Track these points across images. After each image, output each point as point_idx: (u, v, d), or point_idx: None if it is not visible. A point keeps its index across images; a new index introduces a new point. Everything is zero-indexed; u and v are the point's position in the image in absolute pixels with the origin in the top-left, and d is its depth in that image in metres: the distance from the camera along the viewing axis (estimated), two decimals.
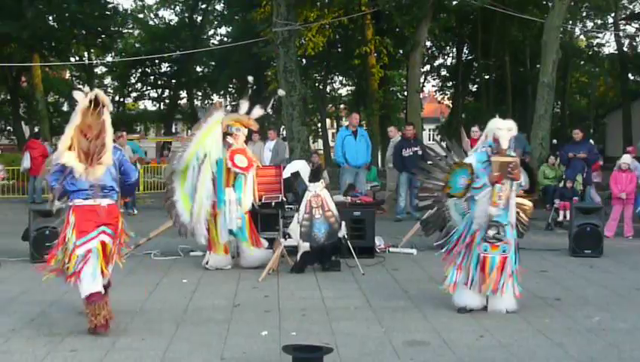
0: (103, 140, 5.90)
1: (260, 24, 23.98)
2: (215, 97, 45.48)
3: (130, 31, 42.62)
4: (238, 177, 8.81)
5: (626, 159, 12.47)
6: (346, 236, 8.73)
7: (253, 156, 9.26)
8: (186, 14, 43.20)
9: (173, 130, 49.37)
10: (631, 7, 36.36)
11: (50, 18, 28.99)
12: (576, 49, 38.30)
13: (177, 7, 44.89)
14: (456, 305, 6.70)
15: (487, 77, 33.95)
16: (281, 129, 26.28)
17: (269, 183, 9.75)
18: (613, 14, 35.87)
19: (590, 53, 40.07)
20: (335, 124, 51.21)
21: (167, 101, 46.98)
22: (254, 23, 25.39)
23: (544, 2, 27.00)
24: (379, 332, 6.05)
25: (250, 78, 10.38)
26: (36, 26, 26.16)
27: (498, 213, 6.48)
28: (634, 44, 38.33)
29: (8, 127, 40.82)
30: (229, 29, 42.04)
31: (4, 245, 9.79)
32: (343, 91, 43.37)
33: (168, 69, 43.96)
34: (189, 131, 12.04)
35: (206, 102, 46.63)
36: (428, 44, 30.94)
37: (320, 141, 42.92)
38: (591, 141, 15.70)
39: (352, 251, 8.76)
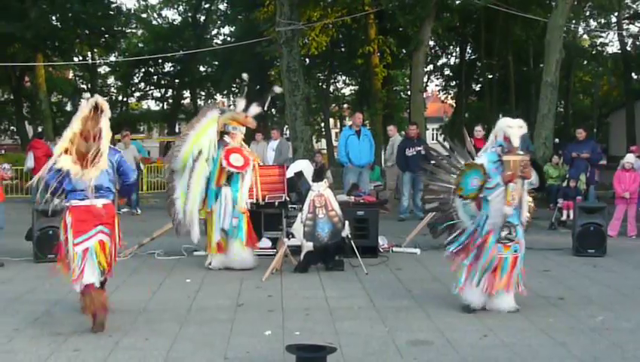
0: (99, 145, 6.03)
1: (263, 24, 24.00)
2: (218, 97, 45.55)
3: (134, 31, 42.65)
4: (235, 176, 8.76)
5: (630, 158, 12.44)
6: (349, 235, 8.73)
7: (251, 154, 9.17)
8: (189, 14, 43.29)
9: (177, 130, 49.34)
10: (634, 6, 36.25)
11: (54, 18, 28.97)
12: (579, 48, 38.22)
13: (180, 7, 45.02)
14: (462, 304, 6.69)
15: (490, 76, 33.88)
16: (285, 129, 26.29)
17: (272, 183, 9.76)
18: (616, 13, 35.78)
19: (593, 52, 39.97)
20: (338, 124, 51.23)
21: (170, 101, 47.02)
22: (257, 22, 25.42)
23: (547, 2, 26.93)
24: (382, 331, 6.05)
25: (245, 76, 10.29)
26: (39, 25, 26.16)
27: (512, 212, 6.48)
28: (637, 43, 38.27)
29: (12, 127, 40.85)
30: (232, 29, 42.13)
31: (8, 245, 9.79)
32: (347, 91, 43.50)
33: (171, 68, 43.97)
34: (181, 131, 12.01)
35: (209, 101, 46.66)
36: (431, 43, 30.85)
37: (323, 140, 42.95)
38: (594, 141, 15.68)
39: (356, 251, 8.74)
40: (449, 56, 38.71)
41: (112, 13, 32.52)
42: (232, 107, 10.13)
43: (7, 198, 10.70)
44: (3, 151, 36.55)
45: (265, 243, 9.79)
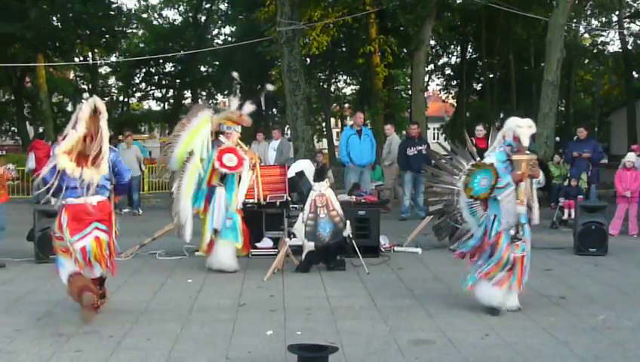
0: (99, 146, 6.17)
1: (264, 23, 24.01)
2: (219, 97, 45.55)
3: (135, 31, 42.62)
4: (230, 176, 8.65)
5: (631, 157, 12.43)
6: (350, 235, 8.72)
7: (249, 154, 9.02)
8: (190, 14, 43.29)
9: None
10: (635, 5, 36.28)
11: (54, 18, 28.99)
12: (580, 47, 38.24)
13: (181, 7, 45.03)
14: (486, 305, 6.58)
15: (491, 75, 33.91)
16: (286, 128, 26.29)
17: (273, 183, 9.76)
18: (617, 12, 35.80)
19: (594, 51, 39.99)
20: (339, 124, 51.23)
21: (171, 101, 46.98)
22: (258, 22, 25.43)
23: (548, 0, 26.90)
24: (384, 331, 6.05)
25: (235, 74, 10.20)
26: (40, 26, 26.16)
27: (525, 211, 6.49)
28: (638, 42, 38.25)
29: (13, 128, 40.84)
30: (233, 29, 42.16)
31: (9, 245, 9.79)
32: (348, 90, 43.47)
33: (172, 68, 43.95)
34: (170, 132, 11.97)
35: (210, 101, 46.66)
36: (432, 42, 30.92)
37: (324, 140, 42.94)
38: (595, 140, 15.67)
39: (357, 250, 8.75)
40: (450, 56, 38.78)
41: (112, 13, 32.51)
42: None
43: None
44: (4, 152, 36.51)
45: (266, 243, 9.79)
